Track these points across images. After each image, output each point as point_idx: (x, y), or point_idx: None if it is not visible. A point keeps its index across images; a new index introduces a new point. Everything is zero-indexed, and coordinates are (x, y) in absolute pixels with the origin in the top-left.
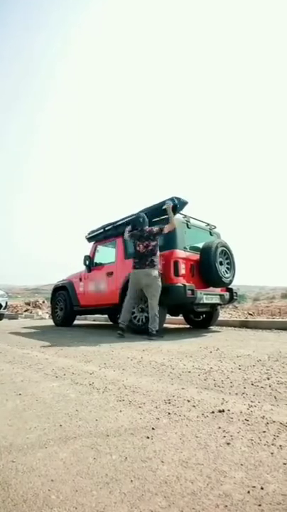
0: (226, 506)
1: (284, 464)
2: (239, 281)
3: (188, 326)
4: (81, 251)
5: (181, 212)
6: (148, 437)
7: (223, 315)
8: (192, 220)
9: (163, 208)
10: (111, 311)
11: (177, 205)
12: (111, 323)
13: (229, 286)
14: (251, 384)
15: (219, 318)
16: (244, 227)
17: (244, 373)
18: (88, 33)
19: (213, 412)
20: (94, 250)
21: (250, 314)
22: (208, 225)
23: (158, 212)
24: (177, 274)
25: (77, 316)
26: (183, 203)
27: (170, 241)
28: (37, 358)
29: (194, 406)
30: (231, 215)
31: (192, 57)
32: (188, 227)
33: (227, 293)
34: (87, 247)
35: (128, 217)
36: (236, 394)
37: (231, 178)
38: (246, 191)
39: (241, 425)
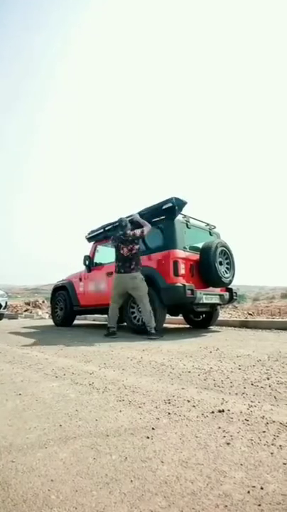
0: (226, 506)
1: (284, 463)
2: (239, 281)
3: (188, 326)
4: (81, 251)
5: (181, 212)
6: (148, 437)
7: (223, 315)
8: (191, 220)
9: (131, 218)
10: None
11: (176, 206)
12: None
13: (229, 286)
14: (251, 384)
15: (219, 318)
16: (243, 227)
17: (244, 373)
18: (88, 32)
19: (213, 412)
20: (94, 250)
21: (250, 314)
22: (208, 225)
23: (158, 212)
24: (176, 274)
25: (77, 316)
26: (183, 203)
27: (169, 241)
28: (37, 357)
29: (194, 406)
30: (231, 215)
31: (192, 58)
32: (188, 227)
33: (227, 293)
34: (87, 247)
35: (128, 217)
36: (236, 394)
37: (231, 178)
38: (245, 191)
39: (241, 425)
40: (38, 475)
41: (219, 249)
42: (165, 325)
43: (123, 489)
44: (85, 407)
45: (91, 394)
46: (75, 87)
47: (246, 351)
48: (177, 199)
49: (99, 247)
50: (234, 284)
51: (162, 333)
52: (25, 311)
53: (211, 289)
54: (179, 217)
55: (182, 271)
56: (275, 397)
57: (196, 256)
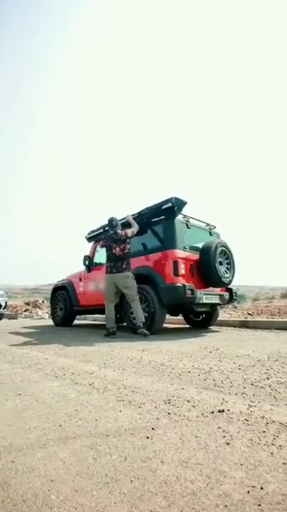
0: (226, 506)
1: (284, 463)
2: (239, 281)
3: (188, 325)
4: (81, 251)
5: (181, 212)
6: (147, 437)
7: (223, 315)
8: (191, 220)
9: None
10: None
11: (176, 206)
12: None
13: (229, 286)
14: (251, 384)
15: (219, 318)
16: (243, 227)
17: (244, 373)
18: (88, 29)
19: (213, 412)
20: (94, 250)
21: (249, 314)
22: (208, 224)
23: (157, 212)
24: (176, 274)
25: (77, 316)
26: (182, 203)
27: (169, 241)
28: (36, 357)
29: (194, 406)
30: (231, 215)
31: (193, 56)
32: (188, 227)
33: (227, 293)
34: (87, 247)
35: (121, 220)
36: (236, 394)
37: (230, 178)
38: (245, 191)
39: (241, 425)
40: (37, 475)
41: (219, 249)
42: (165, 325)
43: (123, 489)
44: (85, 407)
45: (91, 394)
46: (75, 85)
47: (246, 351)
48: (177, 199)
49: (99, 247)
50: (234, 284)
51: (159, 332)
52: (25, 311)
53: (211, 289)
54: (179, 217)
55: (182, 271)
56: (275, 397)
57: (196, 256)
